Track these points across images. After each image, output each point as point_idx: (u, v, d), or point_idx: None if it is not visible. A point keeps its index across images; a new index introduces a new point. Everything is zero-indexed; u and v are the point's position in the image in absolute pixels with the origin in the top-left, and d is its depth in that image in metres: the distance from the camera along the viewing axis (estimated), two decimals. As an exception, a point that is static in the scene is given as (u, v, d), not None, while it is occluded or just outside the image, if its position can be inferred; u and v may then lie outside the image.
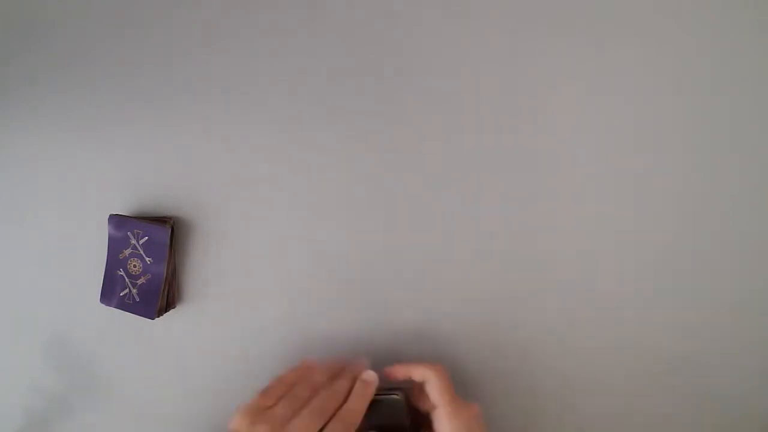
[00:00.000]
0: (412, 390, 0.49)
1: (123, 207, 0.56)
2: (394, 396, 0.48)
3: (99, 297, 0.55)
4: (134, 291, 0.54)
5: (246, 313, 0.55)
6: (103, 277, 0.55)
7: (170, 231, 0.53)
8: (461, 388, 0.49)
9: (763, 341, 0.47)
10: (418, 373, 0.47)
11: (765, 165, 0.47)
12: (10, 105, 0.59)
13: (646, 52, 0.48)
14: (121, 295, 0.54)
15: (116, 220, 0.54)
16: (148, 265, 0.53)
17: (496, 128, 0.50)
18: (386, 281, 0.52)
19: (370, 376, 0.47)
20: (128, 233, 0.54)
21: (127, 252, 0.54)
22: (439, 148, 0.51)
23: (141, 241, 0.53)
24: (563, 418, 0.50)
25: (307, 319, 0.54)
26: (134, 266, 0.54)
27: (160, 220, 0.54)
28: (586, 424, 0.50)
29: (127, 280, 0.54)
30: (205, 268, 0.55)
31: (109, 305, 0.55)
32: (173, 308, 0.55)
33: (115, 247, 0.54)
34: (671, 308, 0.49)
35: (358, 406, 0.45)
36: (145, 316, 0.54)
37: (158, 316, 0.54)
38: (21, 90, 0.58)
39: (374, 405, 0.46)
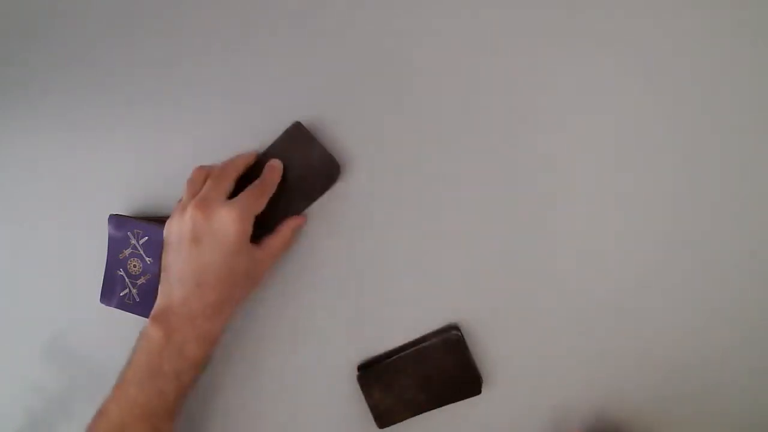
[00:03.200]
0: None
1: (123, 207, 0.56)
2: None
3: (99, 297, 0.55)
4: (134, 291, 0.54)
5: (246, 310, 0.55)
6: (103, 277, 0.55)
7: (170, 231, 0.53)
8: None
9: (763, 341, 0.48)
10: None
11: (764, 165, 0.47)
12: (10, 105, 0.59)
13: (647, 56, 0.48)
14: (121, 295, 0.54)
15: (116, 220, 0.54)
16: (148, 265, 0.53)
17: (496, 131, 0.50)
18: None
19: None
20: (128, 233, 0.54)
21: (127, 252, 0.54)
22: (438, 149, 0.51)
23: (141, 241, 0.53)
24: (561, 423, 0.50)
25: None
26: (134, 266, 0.54)
27: (160, 220, 0.54)
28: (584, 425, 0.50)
29: (127, 280, 0.54)
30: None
31: (109, 305, 0.55)
32: (173, 308, 0.55)
33: (115, 247, 0.54)
34: (671, 309, 0.49)
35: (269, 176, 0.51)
36: (145, 316, 0.53)
37: (158, 316, 0.54)
38: (21, 90, 0.58)
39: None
